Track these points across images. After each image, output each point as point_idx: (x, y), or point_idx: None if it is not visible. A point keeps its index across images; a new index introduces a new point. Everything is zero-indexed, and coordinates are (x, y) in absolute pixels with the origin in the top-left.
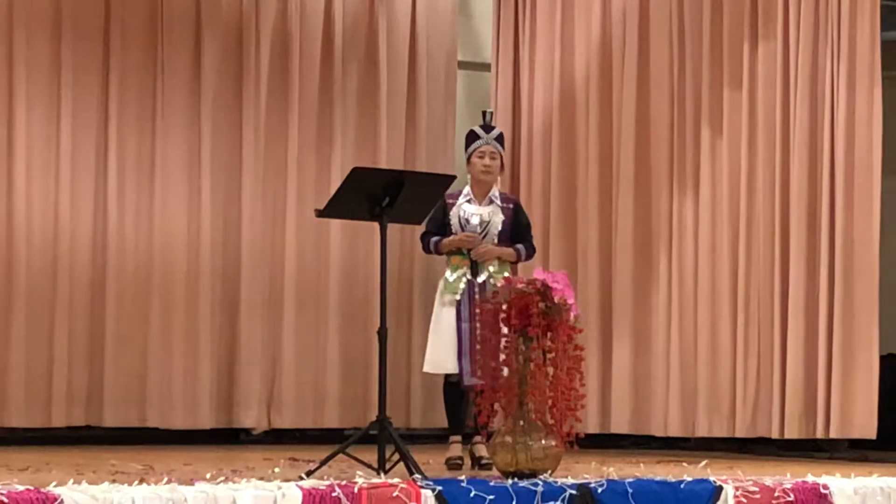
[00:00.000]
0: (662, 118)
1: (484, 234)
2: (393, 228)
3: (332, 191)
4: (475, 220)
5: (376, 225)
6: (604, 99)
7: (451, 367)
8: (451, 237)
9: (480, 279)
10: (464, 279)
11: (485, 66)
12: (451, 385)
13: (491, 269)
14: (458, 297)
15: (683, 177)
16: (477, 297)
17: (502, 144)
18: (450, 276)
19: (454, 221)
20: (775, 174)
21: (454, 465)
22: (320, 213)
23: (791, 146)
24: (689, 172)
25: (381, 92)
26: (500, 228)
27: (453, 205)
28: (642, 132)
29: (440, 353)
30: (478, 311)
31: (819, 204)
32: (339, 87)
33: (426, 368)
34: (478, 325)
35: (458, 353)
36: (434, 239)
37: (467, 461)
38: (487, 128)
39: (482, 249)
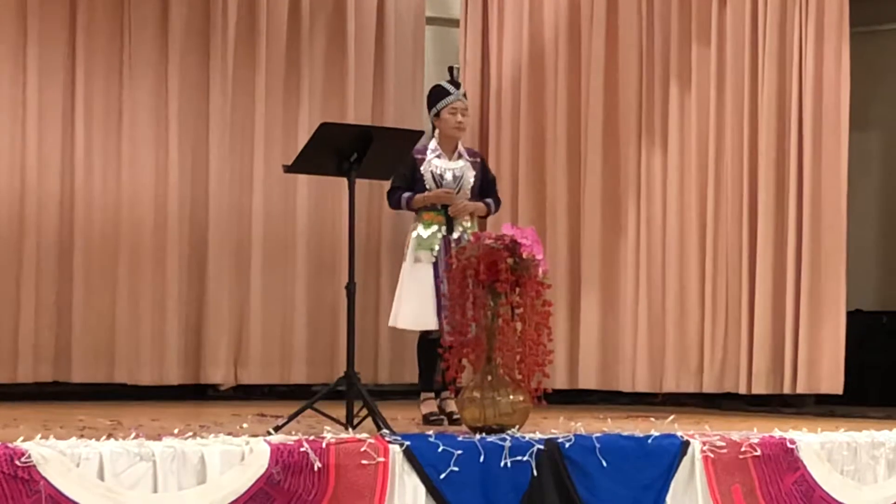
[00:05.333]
0: (631, 73)
1: (458, 189)
2: (361, 184)
3: (300, 146)
4: (449, 176)
5: (344, 180)
6: (572, 53)
7: (431, 323)
8: (427, 193)
9: (455, 235)
10: (439, 235)
11: (453, 22)
12: (429, 341)
13: (465, 224)
14: (434, 253)
15: (652, 133)
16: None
17: (466, 100)
18: (423, 232)
19: (427, 177)
20: (743, 130)
21: (436, 420)
22: (288, 169)
23: (759, 102)
24: (658, 128)
25: (348, 47)
26: (472, 184)
27: (423, 160)
28: (611, 87)
29: (419, 309)
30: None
31: (787, 159)
32: (307, 42)
33: (403, 324)
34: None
35: (438, 309)
36: (406, 195)
37: None
38: (455, 83)
39: (460, 206)
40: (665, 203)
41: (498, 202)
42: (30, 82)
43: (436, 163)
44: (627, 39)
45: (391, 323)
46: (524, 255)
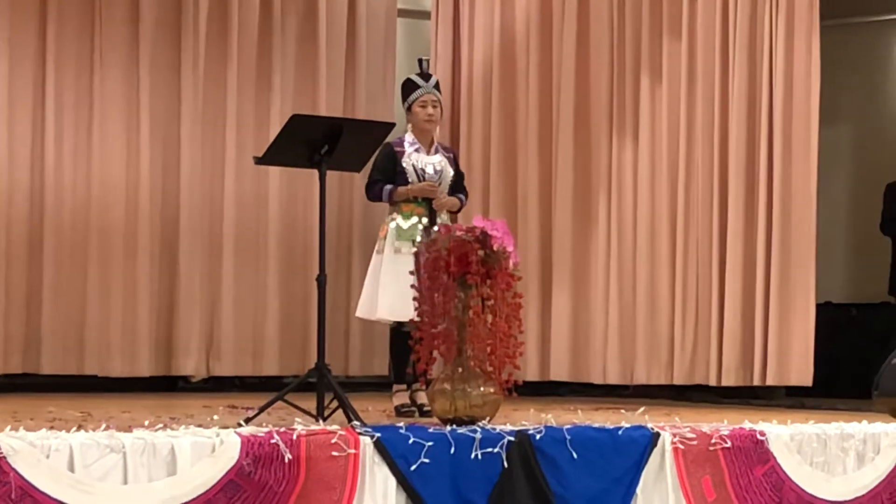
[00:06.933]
0: (602, 67)
1: (439, 183)
2: (332, 176)
3: (271, 138)
4: (430, 170)
5: (315, 172)
6: (544, 46)
7: (410, 314)
8: (411, 186)
9: (436, 228)
10: (419, 227)
11: (425, 14)
12: (402, 333)
13: (444, 217)
14: (415, 245)
15: (623, 125)
16: None
17: (440, 91)
18: (403, 223)
19: (409, 171)
20: (714, 123)
21: (408, 412)
22: (259, 161)
23: (730, 95)
24: (629, 121)
25: (320, 39)
26: (451, 178)
27: (402, 153)
28: (582, 80)
29: (398, 300)
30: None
31: (757, 153)
32: (279, 34)
33: (381, 315)
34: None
35: None
36: (388, 187)
37: None
38: (425, 76)
39: (444, 200)
40: (636, 196)
41: (466, 196)
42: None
43: (416, 157)
44: (598, 32)
45: (365, 315)
46: (495, 247)
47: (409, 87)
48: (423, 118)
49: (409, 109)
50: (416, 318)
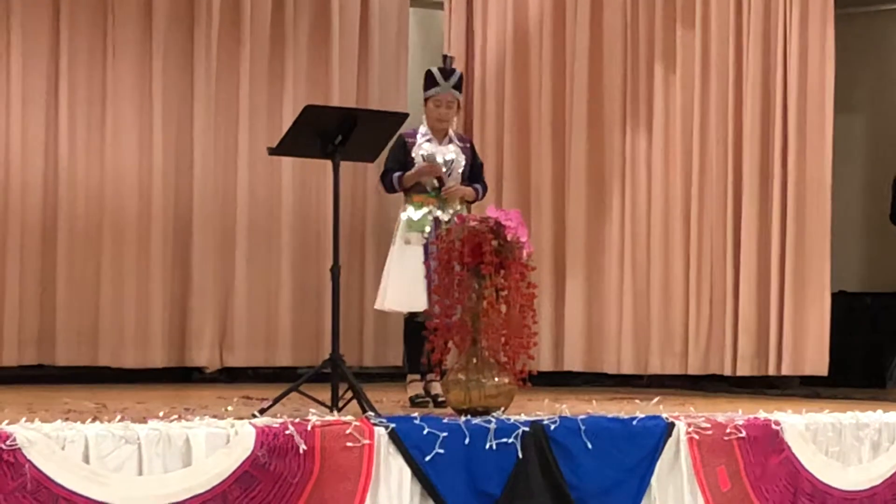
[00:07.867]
0: (616, 56)
1: (449, 173)
2: (346, 166)
3: (285, 129)
4: (439, 160)
5: (329, 163)
6: (557, 36)
7: (420, 304)
8: (415, 168)
9: (445, 218)
10: (430, 218)
11: (438, 5)
12: (415, 324)
13: (456, 207)
14: (425, 235)
15: (636, 116)
16: None
17: (461, 88)
18: (414, 214)
19: (418, 160)
20: (728, 112)
21: (421, 402)
22: (273, 151)
23: (744, 84)
24: (642, 111)
25: (333, 29)
26: (463, 168)
27: (413, 143)
28: (595, 71)
29: (408, 291)
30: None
31: (772, 142)
32: (291, 24)
33: (391, 306)
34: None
35: (428, 291)
36: (397, 174)
37: None
38: (447, 72)
39: (455, 187)
40: (650, 186)
41: (485, 188)
42: (13, 64)
43: (426, 147)
44: (612, 22)
45: (377, 305)
46: (509, 238)
47: (429, 80)
48: (435, 117)
49: (425, 102)
50: (427, 309)
